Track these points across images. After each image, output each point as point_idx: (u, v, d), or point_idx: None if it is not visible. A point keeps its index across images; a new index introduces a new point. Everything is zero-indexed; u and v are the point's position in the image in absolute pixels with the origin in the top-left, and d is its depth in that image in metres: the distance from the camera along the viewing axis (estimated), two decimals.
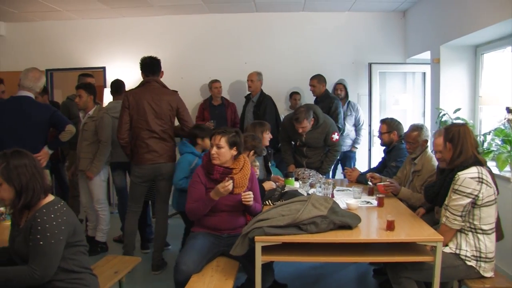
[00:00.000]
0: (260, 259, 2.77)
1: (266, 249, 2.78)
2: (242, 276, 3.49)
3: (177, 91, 4.52)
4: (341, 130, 5.61)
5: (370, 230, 3.10)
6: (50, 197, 2.33)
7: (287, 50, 6.93)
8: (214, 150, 3.23)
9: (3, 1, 6.01)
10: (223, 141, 3.22)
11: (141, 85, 4.30)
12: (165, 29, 7.02)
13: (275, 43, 6.96)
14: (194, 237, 3.28)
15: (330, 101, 5.69)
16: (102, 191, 4.75)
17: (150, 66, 4.30)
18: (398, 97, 6.84)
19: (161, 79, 4.44)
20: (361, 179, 4.48)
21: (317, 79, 5.86)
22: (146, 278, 4.26)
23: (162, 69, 4.46)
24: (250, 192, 3.19)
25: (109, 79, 6.90)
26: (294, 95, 6.69)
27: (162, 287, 4.05)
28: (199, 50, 7.02)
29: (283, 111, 6.63)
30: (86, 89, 4.68)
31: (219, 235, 3.31)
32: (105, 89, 6.73)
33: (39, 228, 2.16)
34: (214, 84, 6.46)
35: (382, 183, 3.84)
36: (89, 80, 5.46)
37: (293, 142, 5.19)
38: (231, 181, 3.10)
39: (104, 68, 7.12)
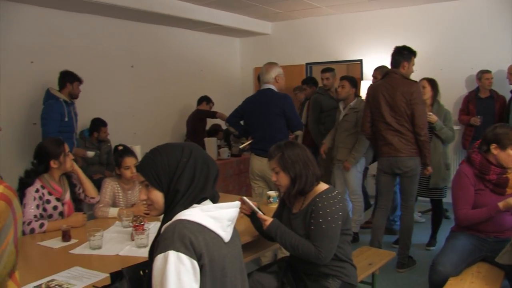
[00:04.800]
0: None
1: None
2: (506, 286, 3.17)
3: (416, 82, 4.18)
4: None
5: None
6: (324, 185, 2.50)
7: None
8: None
9: (270, 4, 6.66)
10: None
11: (382, 77, 4.28)
12: (423, 18, 6.73)
13: None
14: (455, 237, 3.11)
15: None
16: (357, 182, 4.88)
17: (391, 57, 4.21)
18: None
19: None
20: None
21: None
22: (398, 273, 4.21)
23: (405, 60, 4.11)
24: None
25: (366, 72, 7.06)
26: None
27: (414, 285, 3.96)
28: (459, 39, 6.46)
29: None
30: (350, 81, 4.88)
31: (484, 238, 3.04)
32: (361, 81, 6.88)
33: (321, 212, 2.34)
34: (485, 75, 5.86)
35: None
36: (327, 76, 5.59)
37: None
38: None
39: (361, 60, 7.25)
